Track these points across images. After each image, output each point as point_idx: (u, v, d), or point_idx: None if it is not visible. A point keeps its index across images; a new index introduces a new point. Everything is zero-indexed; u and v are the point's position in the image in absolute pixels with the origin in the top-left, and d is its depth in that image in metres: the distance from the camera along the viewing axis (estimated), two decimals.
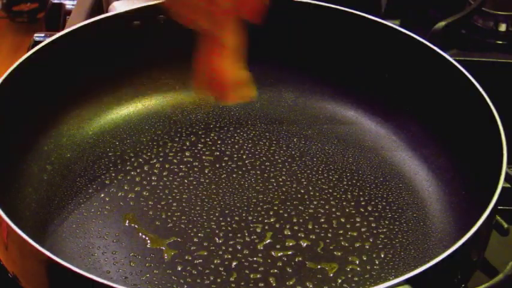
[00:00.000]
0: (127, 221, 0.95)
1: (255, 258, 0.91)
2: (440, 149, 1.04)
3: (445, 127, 1.04)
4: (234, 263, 0.90)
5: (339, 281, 0.89)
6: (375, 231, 0.95)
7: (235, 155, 1.05)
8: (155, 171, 1.02)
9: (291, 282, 0.89)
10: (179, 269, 0.89)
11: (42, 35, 1.22)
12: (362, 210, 0.98)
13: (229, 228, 0.94)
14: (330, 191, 1.00)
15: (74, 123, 1.07)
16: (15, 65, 0.97)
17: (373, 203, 0.99)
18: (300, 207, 0.98)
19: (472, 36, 1.28)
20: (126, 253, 0.91)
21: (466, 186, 0.98)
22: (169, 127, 1.09)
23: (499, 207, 0.87)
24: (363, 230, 0.95)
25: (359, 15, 1.09)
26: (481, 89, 0.97)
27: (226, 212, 0.97)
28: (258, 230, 0.95)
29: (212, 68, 0.85)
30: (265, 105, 1.13)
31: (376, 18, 1.09)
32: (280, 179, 1.01)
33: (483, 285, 0.81)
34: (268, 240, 0.93)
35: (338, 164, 1.04)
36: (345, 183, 1.02)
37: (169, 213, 0.96)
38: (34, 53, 1.00)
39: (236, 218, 0.96)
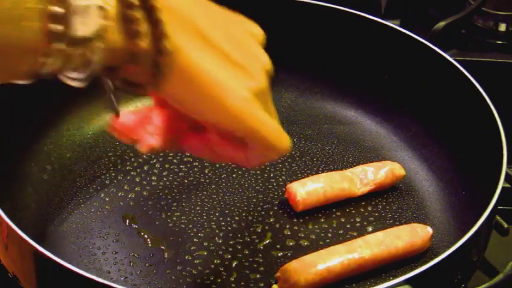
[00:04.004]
0: (127, 221, 0.95)
1: (255, 258, 0.91)
2: (440, 149, 1.04)
3: (445, 127, 1.04)
4: (234, 263, 0.90)
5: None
6: (375, 231, 0.94)
7: None
8: (155, 171, 1.02)
9: None
10: (179, 269, 0.89)
11: None
12: (362, 210, 0.98)
13: (229, 228, 0.94)
14: None
15: (74, 123, 1.07)
16: None
17: (373, 203, 0.99)
18: None
19: (472, 36, 1.28)
20: (126, 253, 0.91)
21: (466, 186, 0.98)
22: None
23: (499, 207, 0.87)
24: (363, 230, 0.95)
25: (359, 15, 1.10)
26: (481, 89, 0.97)
27: (226, 212, 0.97)
28: (258, 230, 0.95)
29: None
30: None
31: (376, 18, 1.09)
32: (280, 179, 1.01)
33: (483, 285, 0.81)
34: (268, 240, 0.93)
35: (338, 164, 1.04)
36: None
37: (169, 213, 0.96)
38: None
39: (236, 218, 0.96)
